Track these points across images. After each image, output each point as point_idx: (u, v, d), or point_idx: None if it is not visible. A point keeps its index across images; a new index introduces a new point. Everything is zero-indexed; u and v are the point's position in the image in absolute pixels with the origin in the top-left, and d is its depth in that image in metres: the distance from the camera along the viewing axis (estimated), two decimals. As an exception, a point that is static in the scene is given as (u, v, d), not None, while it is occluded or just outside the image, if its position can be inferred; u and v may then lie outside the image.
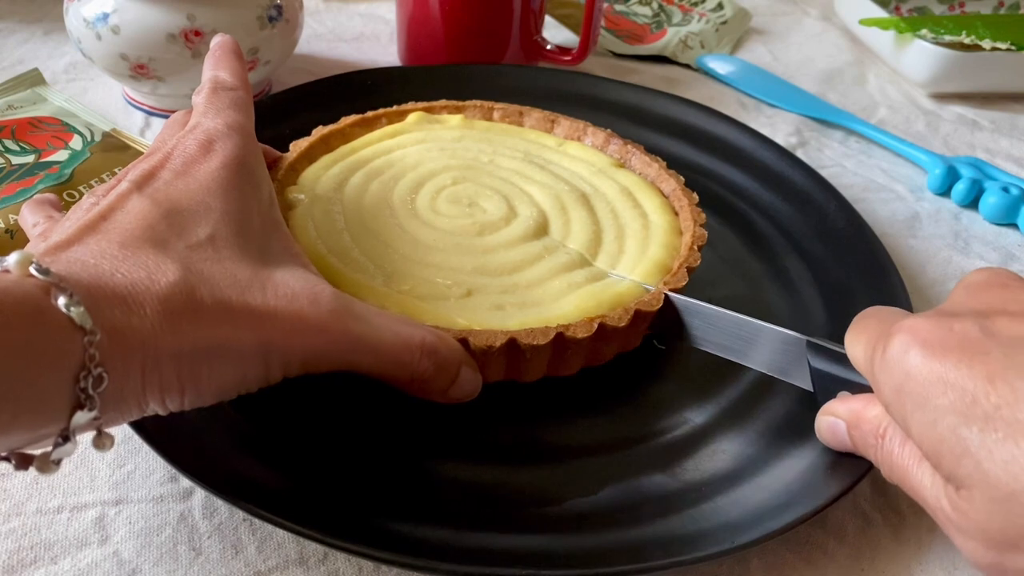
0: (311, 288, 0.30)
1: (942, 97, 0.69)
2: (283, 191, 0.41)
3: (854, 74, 0.73)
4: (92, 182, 0.46)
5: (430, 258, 0.38)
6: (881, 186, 0.58)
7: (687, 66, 0.71)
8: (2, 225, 0.42)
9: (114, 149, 0.49)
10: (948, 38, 0.68)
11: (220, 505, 0.34)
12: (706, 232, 0.40)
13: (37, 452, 0.25)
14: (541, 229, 0.40)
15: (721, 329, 0.37)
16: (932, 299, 0.48)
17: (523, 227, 0.40)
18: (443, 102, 0.49)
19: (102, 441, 0.26)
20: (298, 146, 0.43)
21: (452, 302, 0.36)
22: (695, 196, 0.43)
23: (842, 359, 0.33)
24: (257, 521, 0.33)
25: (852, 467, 0.34)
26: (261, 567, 0.32)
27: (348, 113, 0.47)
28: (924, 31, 0.68)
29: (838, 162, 0.60)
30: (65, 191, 0.45)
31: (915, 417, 0.27)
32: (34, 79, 0.54)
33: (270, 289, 0.29)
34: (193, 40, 0.51)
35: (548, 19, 0.73)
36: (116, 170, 0.47)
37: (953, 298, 0.30)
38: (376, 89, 0.56)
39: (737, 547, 0.31)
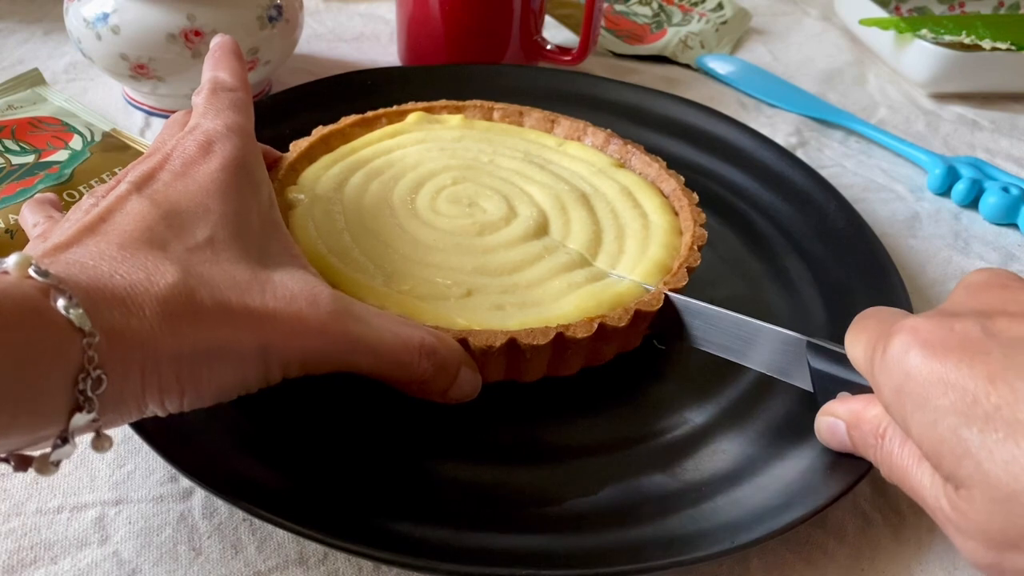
0: (310, 289, 0.30)
1: (942, 97, 0.69)
2: (283, 191, 0.41)
3: (854, 74, 0.73)
4: (92, 182, 0.46)
5: (430, 258, 0.38)
6: (881, 186, 0.58)
7: (687, 66, 0.71)
8: (2, 225, 0.42)
9: (114, 149, 0.49)
10: (948, 38, 0.68)
11: (220, 505, 0.34)
12: (706, 232, 0.40)
13: (36, 453, 0.25)
14: (541, 229, 0.40)
15: (721, 329, 0.37)
16: (932, 299, 0.48)
17: (523, 227, 0.40)
18: (443, 102, 0.49)
19: (101, 443, 0.26)
20: (298, 146, 0.43)
21: (452, 302, 0.36)
22: (695, 196, 0.43)
23: (842, 359, 0.33)
24: (257, 521, 0.33)
25: (852, 467, 0.34)
26: (261, 567, 0.32)
27: (348, 113, 0.47)
28: (924, 31, 0.68)
29: (838, 162, 0.60)
30: (65, 191, 0.45)
31: (915, 417, 0.27)
32: (34, 79, 0.54)
33: (269, 291, 0.29)
34: (193, 40, 0.51)
35: (548, 19, 0.73)
36: (116, 170, 0.47)
37: (953, 298, 0.30)
38: (376, 89, 0.56)
39: (737, 547, 0.31)
